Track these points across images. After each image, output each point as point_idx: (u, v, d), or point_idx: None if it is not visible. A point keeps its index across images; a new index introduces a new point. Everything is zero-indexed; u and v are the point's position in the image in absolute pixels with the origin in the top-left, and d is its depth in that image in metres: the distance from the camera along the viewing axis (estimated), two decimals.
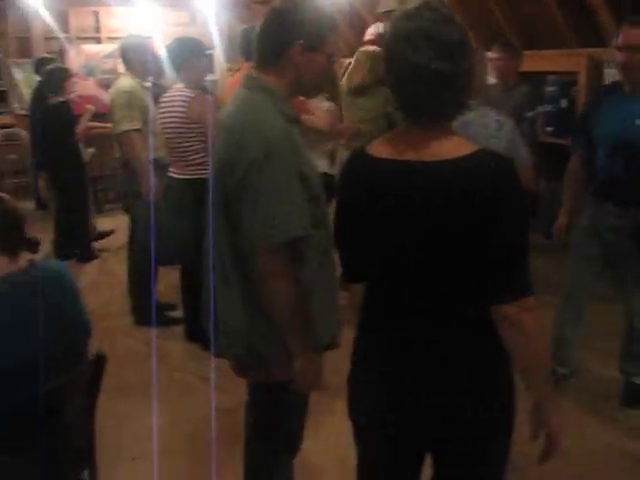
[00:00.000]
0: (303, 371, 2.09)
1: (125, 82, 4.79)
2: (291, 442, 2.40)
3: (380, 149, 1.72)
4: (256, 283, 2.04)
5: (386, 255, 1.72)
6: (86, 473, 2.52)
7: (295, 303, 2.02)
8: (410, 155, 1.65)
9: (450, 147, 1.64)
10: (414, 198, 1.63)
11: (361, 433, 1.91)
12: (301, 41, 2.03)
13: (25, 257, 2.35)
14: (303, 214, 2.00)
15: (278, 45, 2.06)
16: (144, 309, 4.83)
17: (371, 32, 5.31)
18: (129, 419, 3.67)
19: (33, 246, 2.38)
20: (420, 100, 1.63)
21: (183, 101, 4.22)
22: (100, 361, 2.37)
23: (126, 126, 4.61)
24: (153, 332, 4.64)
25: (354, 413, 1.89)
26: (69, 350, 2.29)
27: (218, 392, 3.90)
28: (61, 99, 5.94)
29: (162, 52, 4.85)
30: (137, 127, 4.61)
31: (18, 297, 2.21)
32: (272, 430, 2.33)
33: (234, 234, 2.06)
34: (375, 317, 1.82)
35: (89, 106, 6.40)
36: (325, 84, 2.96)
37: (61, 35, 8.87)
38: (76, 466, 2.47)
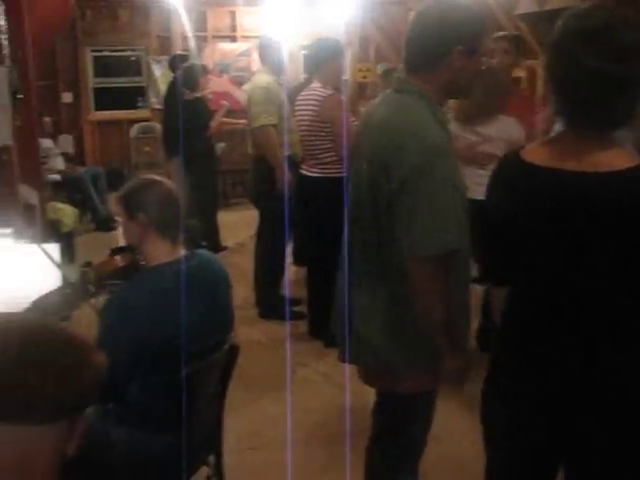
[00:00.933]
0: (451, 372, 2.08)
1: (262, 79, 4.91)
2: (416, 448, 2.36)
3: (535, 155, 1.67)
4: (406, 291, 2.00)
5: (535, 262, 1.68)
6: (212, 458, 2.60)
7: (445, 313, 1.98)
8: (571, 164, 1.59)
9: (613, 158, 1.57)
10: (574, 208, 1.57)
11: (492, 439, 1.87)
12: (460, 47, 1.96)
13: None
14: (460, 225, 1.94)
15: (436, 51, 1.99)
16: (268, 302, 4.93)
17: None
18: (249, 408, 3.74)
19: (190, 233, 2.43)
20: (586, 105, 1.57)
21: (317, 100, 4.28)
22: (233, 351, 2.42)
23: (263, 121, 4.71)
24: (287, 325, 4.68)
25: (487, 418, 1.86)
26: (214, 338, 2.36)
27: (339, 390, 3.93)
28: (197, 95, 6.13)
29: (296, 51, 4.92)
30: (274, 122, 4.70)
31: (178, 284, 2.25)
32: (397, 437, 2.30)
33: (385, 239, 2.02)
34: (516, 323, 1.78)
35: (224, 102, 6.58)
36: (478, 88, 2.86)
37: (199, 34, 9.19)
38: (204, 450, 2.55)
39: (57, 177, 7.37)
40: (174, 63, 7.02)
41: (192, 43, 9.02)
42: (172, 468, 2.28)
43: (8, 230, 2.72)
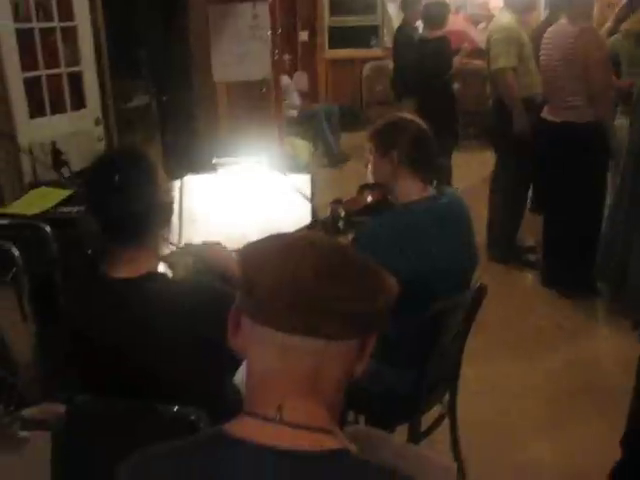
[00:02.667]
0: None
1: (503, 18, 4.72)
2: None
3: None
4: None
5: None
6: (446, 397, 2.60)
7: None
8: None
9: None
10: None
11: None
12: None
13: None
14: None
15: None
16: (501, 248, 4.83)
17: None
18: (478, 354, 3.69)
19: (441, 173, 2.42)
20: None
21: (569, 36, 4.01)
22: (481, 292, 2.38)
23: (502, 63, 4.54)
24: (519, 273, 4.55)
25: None
26: (461, 277, 2.35)
27: (572, 341, 3.79)
28: (439, 34, 5.98)
29: None
30: (513, 65, 4.52)
31: (428, 222, 2.28)
32: None
33: None
34: None
35: (465, 45, 6.41)
36: None
37: None
38: (441, 388, 2.55)
39: (294, 113, 7.64)
40: (404, 3, 6.95)
41: None
42: (412, 403, 2.33)
43: (264, 159, 2.83)
